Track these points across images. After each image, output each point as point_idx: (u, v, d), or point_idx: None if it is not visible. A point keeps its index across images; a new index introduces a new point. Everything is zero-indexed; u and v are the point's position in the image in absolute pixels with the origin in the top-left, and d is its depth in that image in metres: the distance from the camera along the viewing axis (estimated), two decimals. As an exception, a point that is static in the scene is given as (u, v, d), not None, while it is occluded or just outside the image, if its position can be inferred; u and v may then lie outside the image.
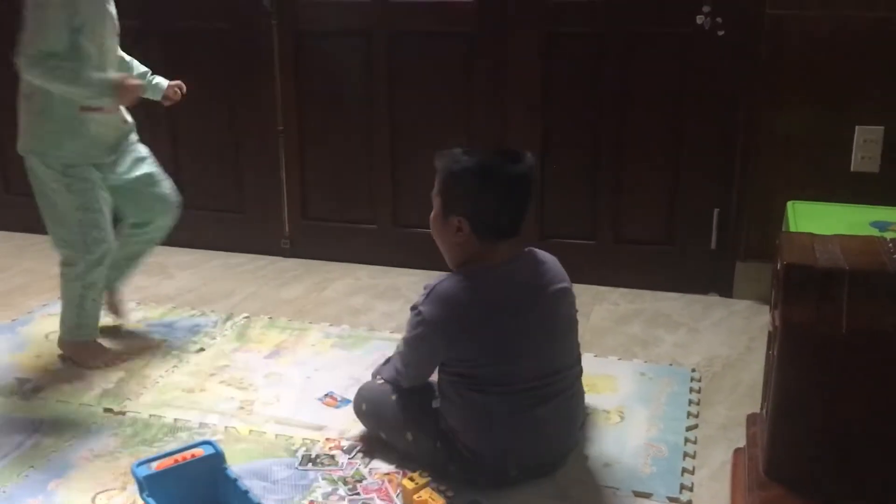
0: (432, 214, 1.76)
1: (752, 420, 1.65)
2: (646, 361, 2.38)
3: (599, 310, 2.76)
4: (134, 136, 2.37)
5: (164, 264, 3.13)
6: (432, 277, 1.74)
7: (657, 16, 2.70)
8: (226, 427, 2.02)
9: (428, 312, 1.66)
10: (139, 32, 3.14)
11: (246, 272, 3.09)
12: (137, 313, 2.69)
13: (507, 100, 2.86)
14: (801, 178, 2.58)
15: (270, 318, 2.66)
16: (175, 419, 2.05)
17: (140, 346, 2.45)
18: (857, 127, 2.54)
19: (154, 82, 2.40)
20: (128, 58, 2.38)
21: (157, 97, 2.40)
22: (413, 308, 1.74)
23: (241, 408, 2.11)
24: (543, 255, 1.79)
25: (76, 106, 2.14)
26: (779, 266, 1.19)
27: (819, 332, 1.11)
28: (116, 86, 2.11)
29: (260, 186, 3.20)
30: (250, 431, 1.99)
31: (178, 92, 2.42)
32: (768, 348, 1.38)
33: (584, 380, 2.23)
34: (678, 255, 2.86)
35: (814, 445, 1.27)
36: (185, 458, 1.67)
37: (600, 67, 2.77)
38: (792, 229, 1.89)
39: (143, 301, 2.80)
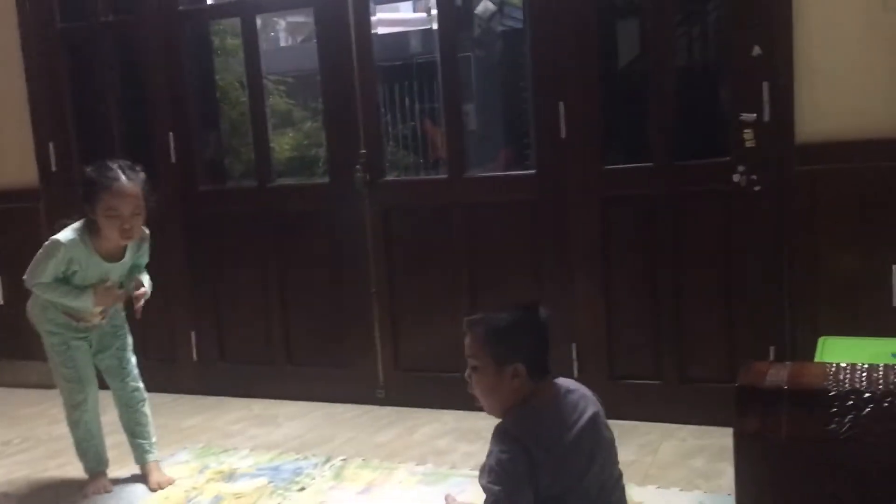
0: (477, 377, 1.93)
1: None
2: (706, 492, 2.54)
3: (667, 445, 2.93)
4: (117, 323, 2.85)
5: (274, 415, 3.53)
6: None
7: (699, 176, 3.03)
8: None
9: (510, 443, 1.83)
10: (255, 217, 3.73)
11: (345, 420, 3.44)
12: (249, 459, 3.05)
13: (570, 256, 3.20)
14: (846, 315, 2.77)
15: (364, 459, 2.97)
16: (278, 548, 2.36)
17: (251, 487, 2.79)
18: (893, 266, 2.73)
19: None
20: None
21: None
22: (493, 452, 1.86)
23: (335, 538, 2.40)
24: (567, 382, 1.99)
25: (60, 309, 2.71)
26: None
27: (763, 439, 1.34)
28: (96, 292, 2.66)
29: (357, 343, 3.59)
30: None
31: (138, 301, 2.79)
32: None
33: (645, 510, 2.43)
34: (742, 392, 3.03)
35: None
36: None
37: (653, 223, 3.09)
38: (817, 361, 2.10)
39: (254, 448, 3.17)
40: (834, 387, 1.37)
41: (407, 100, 7.16)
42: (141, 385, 2.90)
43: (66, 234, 2.63)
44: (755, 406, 1.37)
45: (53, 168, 3.95)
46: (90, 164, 2.69)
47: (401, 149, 6.94)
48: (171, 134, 3.79)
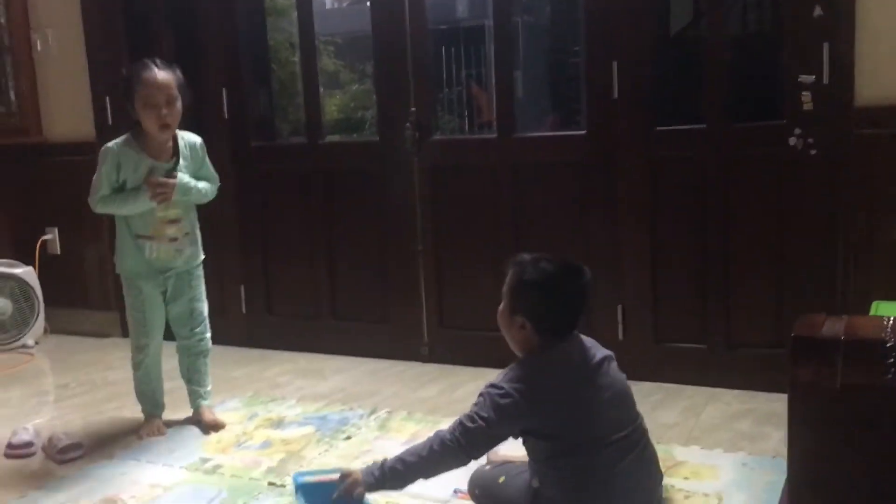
0: (500, 308, 2.05)
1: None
2: (750, 454, 2.54)
3: (711, 409, 2.93)
4: (192, 268, 2.91)
5: (320, 368, 3.60)
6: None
7: (753, 139, 2.99)
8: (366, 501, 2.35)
9: (511, 385, 1.93)
10: (305, 173, 3.77)
11: (389, 375, 3.49)
12: (296, 408, 3.12)
13: (618, 218, 3.19)
14: (900, 281, 2.73)
15: (408, 412, 3.02)
16: (325, 491, 2.42)
17: (299, 435, 2.87)
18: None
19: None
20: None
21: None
22: (491, 385, 1.97)
23: (380, 484, 2.44)
24: (582, 337, 2.06)
25: (133, 234, 2.79)
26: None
27: (818, 389, 1.35)
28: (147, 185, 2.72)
29: (403, 300, 3.64)
30: (387, 503, 2.33)
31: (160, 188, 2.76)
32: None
33: (689, 468, 2.45)
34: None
35: (824, 490, 1.46)
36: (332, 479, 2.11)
37: (704, 185, 3.06)
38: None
39: (302, 398, 3.24)
40: (891, 338, 1.37)
41: (453, 64, 7.13)
42: (208, 335, 2.98)
43: (114, 141, 2.78)
44: (811, 356, 1.38)
45: (110, 122, 4.02)
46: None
47: (446, 113, 6.92)
48: (224, 90, 3.84)
